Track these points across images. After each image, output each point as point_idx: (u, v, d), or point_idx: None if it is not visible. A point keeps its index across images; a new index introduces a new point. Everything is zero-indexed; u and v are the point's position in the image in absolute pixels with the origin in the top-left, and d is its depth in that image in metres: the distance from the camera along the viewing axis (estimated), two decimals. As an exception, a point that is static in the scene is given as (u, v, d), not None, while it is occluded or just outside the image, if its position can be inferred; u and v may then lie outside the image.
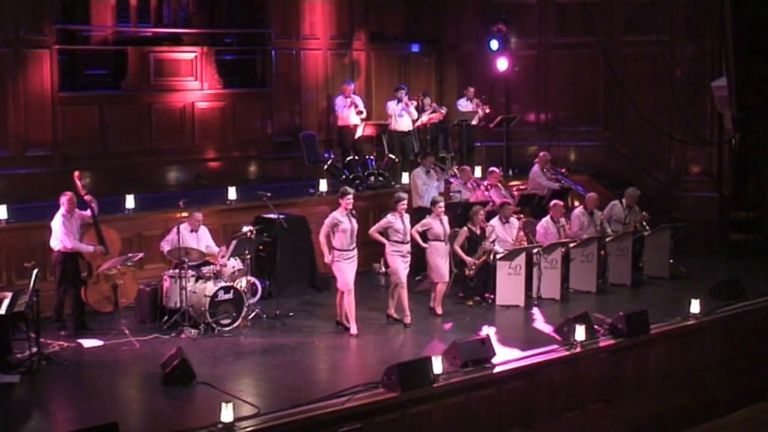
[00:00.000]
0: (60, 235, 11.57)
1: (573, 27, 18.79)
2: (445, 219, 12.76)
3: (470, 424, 10.22)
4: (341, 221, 11.81)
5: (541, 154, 16.68)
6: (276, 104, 17.07)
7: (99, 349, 11.24)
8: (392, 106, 16.78)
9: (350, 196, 11.92)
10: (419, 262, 13.05)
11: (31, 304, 10.46)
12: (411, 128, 16.90)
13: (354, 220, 11.92)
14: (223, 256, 12.38)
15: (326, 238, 11.94)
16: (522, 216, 13.70)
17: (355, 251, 11.97)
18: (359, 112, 16.52)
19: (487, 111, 17.87)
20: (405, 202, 12.34)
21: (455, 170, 15.78)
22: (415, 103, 16.97)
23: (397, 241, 12.18)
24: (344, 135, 16.81)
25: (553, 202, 14.49)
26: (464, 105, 17.72)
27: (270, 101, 17.03)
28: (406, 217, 12.33)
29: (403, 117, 16.74)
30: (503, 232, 13.58)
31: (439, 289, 12.77)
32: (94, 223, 11.99)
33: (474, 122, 17.72)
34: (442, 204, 12.76)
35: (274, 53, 17.02)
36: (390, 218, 12.19)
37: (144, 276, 13.07)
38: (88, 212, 11.95)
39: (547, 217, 14.15)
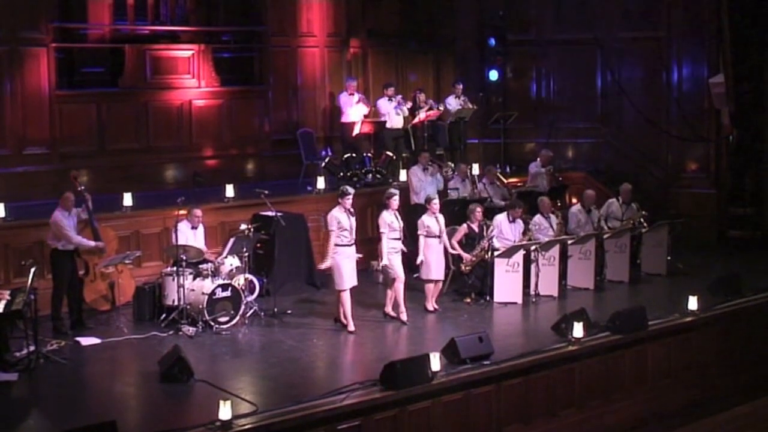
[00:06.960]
0: (61, 232, 11.56)
1: (570, 23, 18.76)
2: (441, 217, 12.76)
3: (469, 421, 10.22)
4: (341, 219, 11.81)
5: (543, 151, 16.67)
6: (273, 102, 17.05)
7: (97, 347, 11.24)
8: (384, 104, 16.76)
9: (350, 196, 11.90)
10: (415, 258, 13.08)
11: (29, 302, 10.44)
12: (402, 125, 16.89)
13: (353, 218, 11.92)
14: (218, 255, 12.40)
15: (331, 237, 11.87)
16: (529, 219, 13.69)
17: (354, 248, 11.97)
18: (370, 107, 16.59)
19: (471, 106, 17.85)
20: (396, 197, 12.32)
21: (452, 167, 15.77)
22: (410, 104, 16.95)
23: (392, 238, 12.19)
24: (347, 132, 16.80)
25: (539, 198, 14.43)
26: (452, 103, 17.70)
27: (267, 99, 17.00)
28: (397, 213, 12.32)
29: (399, 115, 16.74)
30: (507, 230, 13.57)
31: (429, 287, 12.73)
32: (90, 222, 11.99)
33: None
34: (436, 201, 12.75)
35: (272, 51, 17.01)
36: (385, 215, 12.19)
37: (142, 274, 13.08)
38: (84, 213, 11.96)
39: (538, 214, 14.17)
